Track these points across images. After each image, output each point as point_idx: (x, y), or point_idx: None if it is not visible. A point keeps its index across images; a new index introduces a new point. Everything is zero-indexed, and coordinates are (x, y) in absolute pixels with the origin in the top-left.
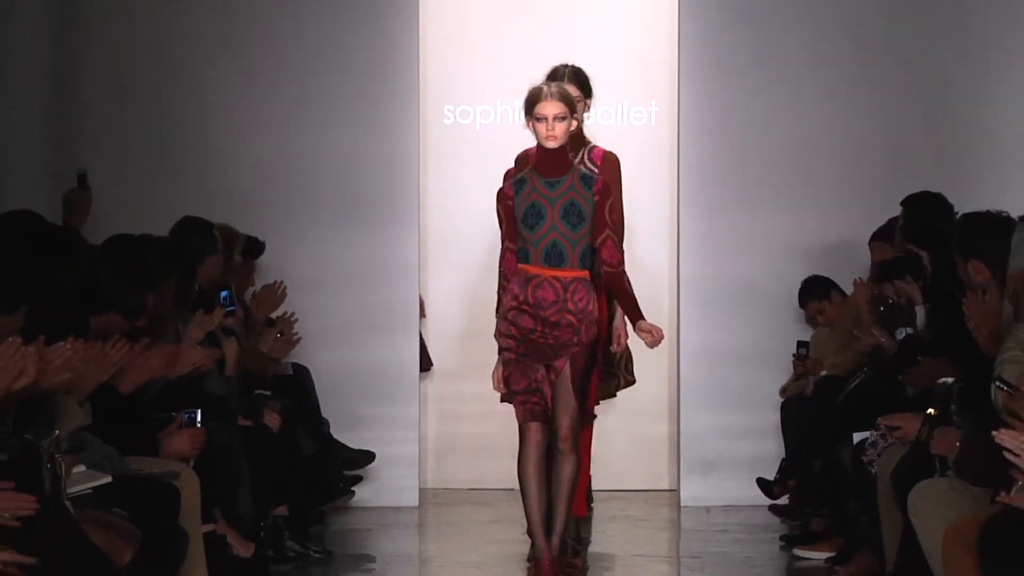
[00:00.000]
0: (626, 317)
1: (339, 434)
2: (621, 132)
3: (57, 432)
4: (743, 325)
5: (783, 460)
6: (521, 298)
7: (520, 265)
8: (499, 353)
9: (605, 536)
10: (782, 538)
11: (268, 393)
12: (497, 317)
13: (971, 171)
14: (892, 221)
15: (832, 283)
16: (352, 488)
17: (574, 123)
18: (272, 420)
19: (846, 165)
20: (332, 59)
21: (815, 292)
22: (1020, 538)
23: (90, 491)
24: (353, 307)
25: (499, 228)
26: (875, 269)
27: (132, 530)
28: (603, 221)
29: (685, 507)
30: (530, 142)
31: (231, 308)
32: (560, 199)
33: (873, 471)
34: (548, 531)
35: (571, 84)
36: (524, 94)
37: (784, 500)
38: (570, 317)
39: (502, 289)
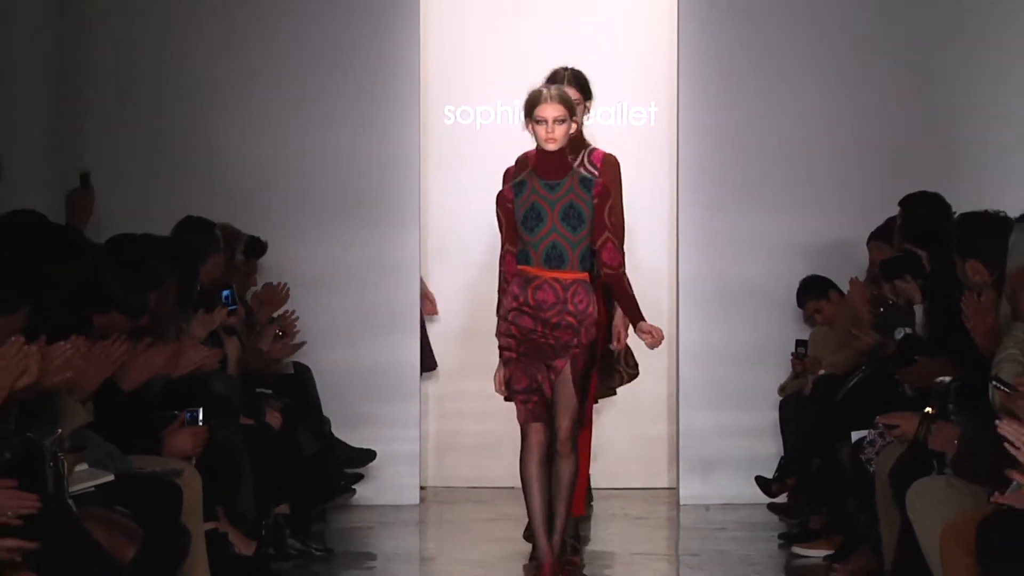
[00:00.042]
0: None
1: (340, 433)
2: (621, 132)
3: (59, 431)
4: (742, 325)
5: (782, 458)
6: (521, 299)
7: (520, 267)
8: (500, 354)
9: (605, 534)
10: (781, 536)
11: (269, 392)
12: (497, 317)
13: (969, 171)
14: (890, 221)
15: (830, 282)
16: (353, 486)
17: (574, 126)
18: (273, 419)
19: (845, 165)
20: (332, 59)
21: (813, 291)
22: (1017, 536)
23: (92, 489)
24: (354, 306)
25: (499, 231)
26: (875, 269)
27: (134, 528)
28: (602, 223)
29: (684, 505)
30: (530, 143)
31: (233, 307)
32: (560, 201)
33: (871, 469)
34: (549, 531)
35: (571, 87)
36: (524, 95)
37: (783, 498)
38: (570, 319)
39: (502, 291)
